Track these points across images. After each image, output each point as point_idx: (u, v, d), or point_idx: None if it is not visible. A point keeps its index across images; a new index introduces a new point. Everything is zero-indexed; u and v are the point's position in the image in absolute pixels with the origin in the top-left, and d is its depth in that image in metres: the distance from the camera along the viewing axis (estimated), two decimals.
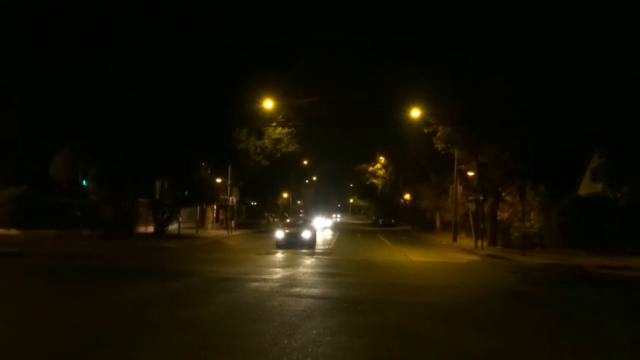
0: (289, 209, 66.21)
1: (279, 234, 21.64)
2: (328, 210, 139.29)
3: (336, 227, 54.72)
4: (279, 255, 18.34)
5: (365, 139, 56.77)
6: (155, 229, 24.91)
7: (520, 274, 14.18)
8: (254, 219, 42.85)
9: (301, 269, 13.73)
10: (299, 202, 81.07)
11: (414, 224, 48.38)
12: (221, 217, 41.18)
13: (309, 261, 16.31)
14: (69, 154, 21.84)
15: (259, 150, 33.29)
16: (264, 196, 48.66)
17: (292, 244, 21.16)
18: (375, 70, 55.23)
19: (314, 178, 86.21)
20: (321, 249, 21.46)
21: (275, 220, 46.23)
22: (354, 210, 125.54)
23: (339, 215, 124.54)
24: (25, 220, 21.57)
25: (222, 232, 31.88)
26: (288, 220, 27.38)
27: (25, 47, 17.34)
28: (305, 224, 24.27)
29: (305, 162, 60.98)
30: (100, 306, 8.12)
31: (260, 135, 32.95)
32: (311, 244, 21.68)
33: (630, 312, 9.12)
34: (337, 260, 16.80)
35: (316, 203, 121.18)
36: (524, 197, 20.75)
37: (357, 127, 61.19)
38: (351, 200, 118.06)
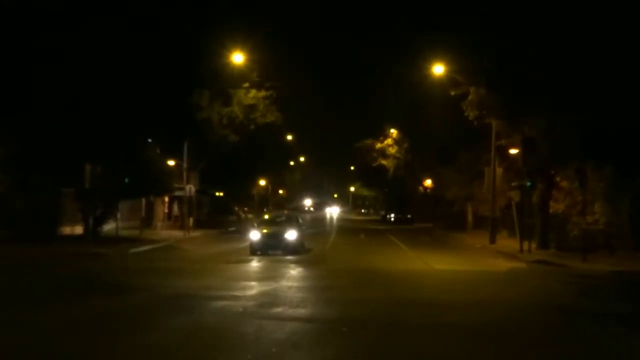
0: (267, 201, 66.41)
1: (255, 236, 21.99)
2: (322, 202, 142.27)
3: (332, 225, 55.16)
4: (255, 263, 18.79)
5: (371, 108, 57.21)
6: (84, 229, 24.98)
7: (580, 286, 14.47)
8: (220, 214, 42.91)
9: (284, 282, 14.02)
10: (280, 191, 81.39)
11: (437, 220, 48.89)
12: (175, 212, 41.24)
13: (295, 271, 16.56)
14: None
15: (225, 120, 33.14)
16: (234, 184, 48.72)
17: (273, 248, 21.74)
18: (381, 17, 55.18)
19: (302, 159, 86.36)
20: (312, 255, 21.97)
21: (249, 216, 46.26)
22: (356, 202, 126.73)
23: (335, 208, 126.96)
24: None
25: (177, 233, 32.11)
26: (267, 217, 27.56)
27: None
28: (291, 221, 24.56)
29: (289, 138, 61.15)
30: None
31: (227, 100, 32.79)
32: (298, 247, 22.10)
33: None
34: (333, 270, 17.09)
35: (305, 192, 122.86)
36: (584, 183, 21.02)
37: (359, 93, 61.36)
38: (352, 189, 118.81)
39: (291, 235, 22.01)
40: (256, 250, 21.50)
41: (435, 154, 44.09)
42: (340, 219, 74.11)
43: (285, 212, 35.07)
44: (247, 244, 22.85)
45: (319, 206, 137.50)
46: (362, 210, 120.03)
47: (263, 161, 52.55)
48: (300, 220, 26.32)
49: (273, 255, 20.84)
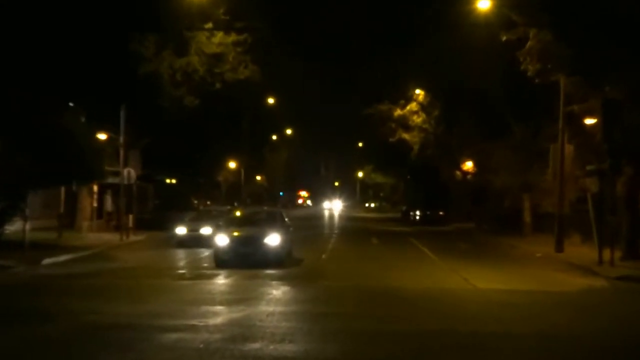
0: (240, 192, 66.32)
1: (221, 241, 22.35)
2: (319, 194, 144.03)
3: (333, 225, 55.47)
4: (222, 280, 18.99)
5: (389, 66, 56.74)
6: None
7: None
8: (172, 210, 42.85)
9: (263, 307, 14.14)
10: (258, 178, 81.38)
11: (480, 220, 49.17)
12: (108, 208, 41.06)
13: (278, 291, 16.65)
14: None
15: (180, 77, 33.07)
16: (192, 168, 48.69)
17: (247, 257, 21.84)
18: None
19: (288, 132, 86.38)
20: (303, 268, 22.22)
21: (214, 212, 46.25)
22: (366, 194, 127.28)
23: (337, 203, 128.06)
24: None
25: (111, 237, 32.19)
26: (239, 214, 27.55)
27: None
28: (273, 220, 24.90)
29: (270, 101, 61.03)
30: None
31: (182, 48, 32.72)
32: (282, 257, 22.58)
33: None
34: (333, 290, 17.24)
35: (296, 180, 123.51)
36: None
37: (372, 45, 61.18)
38: (360, 174, 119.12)
39: (273, 239, 22.25)
40: (223, 261, 21.77)
41: (477, 125, 44.07)
42: (344, 218, 74.55)
43: (265, 208, 35.06)
44: (211, 252, 23.17)
45: (315, 200, 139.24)
46: (370, 205, 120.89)
47: (234, 135, 52.59)
48: (287, 220, 26.50)
49: (247, 268, 20.86)
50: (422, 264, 24.23)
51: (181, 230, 30.49)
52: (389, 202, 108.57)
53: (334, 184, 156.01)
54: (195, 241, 29.07)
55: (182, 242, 29.74)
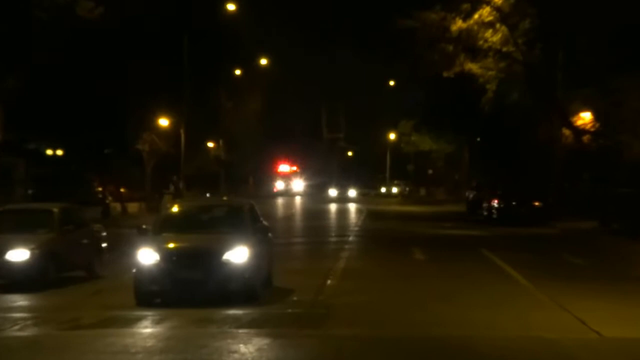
0: (178, 170, 66.09)
1: (147, 257, 22.34)
2: (317, 172, 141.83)
3: (346, 226, 56.54)
4: (146, 329, 19.18)
5: None
6: None
7: None
8: (61, 199, 42.78)
9: None
10: (210, 144, 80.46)
11: (608, 214, 48.93)
12: None
13: (249, 349, 16.29)
14: None
15: None
16: (93, 131, 48.53)
17: (191, 287, 22.14)
18: None
19: (263, 62, 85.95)
20: (292, 304, 22.67)
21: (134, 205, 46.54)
22: (401, 173, 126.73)
23: (352, 191, 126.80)
24: None
25: None
26: (177, 209, 27.18)
27: None
28: (237, 220, 24.87)
29: (230, 8, 60.60)
30: None
31: None
32: (254, 285, 22.68)
33: None
34: (347, 346, 17.01)
35: (274, 148, 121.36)
36: None
37: None
38: (392, 137, 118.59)
39: (237, 255, 22.20)
40: (151, 293, 22.02)
41: (603, 48, 43.90)
42: (364, 212, 74.21)
43: (225, 198, 34.76)
44: (127, 276, 23.36)
45: (314, 183, 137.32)
46: (399, 190, 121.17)
47: (167, 72, 52.45)
48: (263, 220, 26.39)
49: (194, 305, 21.10)
50: (506, 296, 24.25)
51: None
52: (441, 185, 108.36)
53: (344, 154, 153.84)
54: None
55: None
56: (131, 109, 50.97)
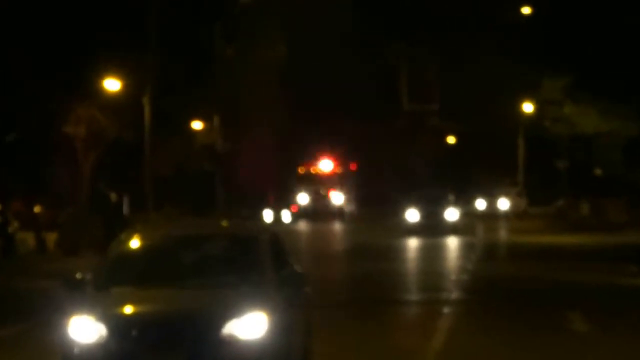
0: (143, 170, 57.54)
1: (84, 332, 16.89)
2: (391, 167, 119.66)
3: (447, 270, 48.83)
4: None
5: None
6: None
7: None
8: None
9: None
10: (198, 123, 70.62)
11: None
12: None
13: None
14: None
15: None
16: None
17: None
18: None
19: None
20: None
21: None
22: (545, 171, 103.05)
23: (449, 211, 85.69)
24: None
25: None
26: (136, 243, 21.75)
27: None
28: (241, 262, 18.92)
29: None
30: None
31: None
32: None
33: None
34: None
35: (305, 127, 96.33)
36: None
37: None
38: (526, 110, 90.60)
39: (248, 327, 16.05)
40: None
41: None
42: (477, 249, 61.35)
43: (225, 223, 29.62)
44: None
45: (384, 197, 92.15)
46: (514, 203, 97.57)
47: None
48: (293, 262, 20.15)
49: None
50: None
51: None
52: (618, 196, 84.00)
53: (439, 140, 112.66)
54: None
55: None
56: (53, 61, 44.58)
